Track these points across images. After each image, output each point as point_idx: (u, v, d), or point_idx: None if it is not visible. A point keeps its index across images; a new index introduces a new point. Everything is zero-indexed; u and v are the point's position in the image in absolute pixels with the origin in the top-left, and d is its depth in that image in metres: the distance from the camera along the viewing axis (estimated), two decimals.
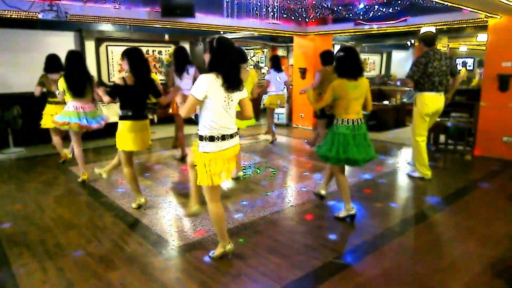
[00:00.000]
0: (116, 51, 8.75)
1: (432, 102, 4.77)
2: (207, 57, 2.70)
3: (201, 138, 2.69)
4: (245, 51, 6.05)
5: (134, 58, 3.67)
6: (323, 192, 4.26)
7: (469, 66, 13.23)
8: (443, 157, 6.31)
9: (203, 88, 2.56)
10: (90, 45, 8.28)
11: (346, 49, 3.55)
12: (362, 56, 13.84)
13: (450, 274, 2.83)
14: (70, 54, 4.54)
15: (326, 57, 5.50)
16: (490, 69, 5.92)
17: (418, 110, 4.85)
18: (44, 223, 3.70)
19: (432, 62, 4.69)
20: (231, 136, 2.75)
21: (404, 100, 8.42)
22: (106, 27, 8.37)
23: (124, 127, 3.68)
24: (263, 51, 12.45)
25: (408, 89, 10.74)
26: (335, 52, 3.93)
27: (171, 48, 9.46)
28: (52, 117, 5.25)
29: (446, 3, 4.88)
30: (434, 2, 5.18)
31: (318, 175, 5.20)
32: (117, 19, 5.75)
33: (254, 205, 4.12)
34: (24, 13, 4.78)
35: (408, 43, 11.70)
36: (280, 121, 9.21)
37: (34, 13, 4.72)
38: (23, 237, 3.43)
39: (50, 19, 4.58)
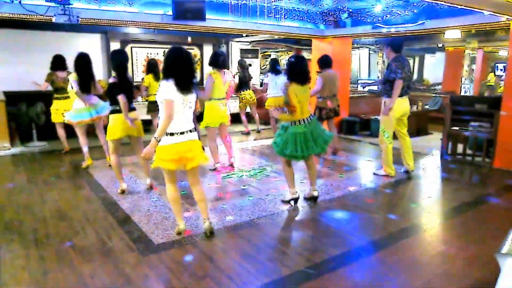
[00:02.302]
0: (140, 52, 9.09)
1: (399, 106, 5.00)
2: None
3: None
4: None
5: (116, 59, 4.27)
6: (315, 193, 4.31)
7: (501, 70, 12.41)
8: (459, 169, 6.00)
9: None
10: (115, 47, 8.61)
11: (297, 57, 4.04)
12: None
13: None
14: (81, 55, 5.03)
15: (326, 61, 6.03)
16: (511, 76, 5.57)
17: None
18: (41, 214, 3.92)
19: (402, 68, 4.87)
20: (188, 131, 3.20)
21: (427, 106, 8.09)
22: (131, 29, 8.68)
23: (114, 119, 4.29)
24: (288, 54, 12.42)
25: (434, 95, 10.39)
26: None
27: (194, 51, 9.68)
28: (59, 111, 5.74)
29: (459, 6, 4.68)
30: (450, 6, 4.96)
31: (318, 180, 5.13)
32: (129, 22, 5.96)
33: (243, 208, 4.13)
34: (41, 16, 5.07)
35: (438, 46, 11.24)
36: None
37: (49, 17, 4.99)
38: (19, 225, 3.65)
39: (63, 22, 4.81)
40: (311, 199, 4.32)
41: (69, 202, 4.30)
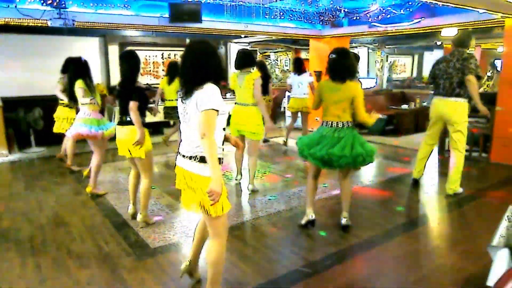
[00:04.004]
0: (139, 55, 9.04)
1: (435, 106, 4.53)
2: None
3: None
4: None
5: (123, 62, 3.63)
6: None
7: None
8: None
9: None
10: (113, 50, 8.63)
11: (338, 51, 3.43)
12: (392, 58, 13.45)
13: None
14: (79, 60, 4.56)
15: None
16: (506, 71, 5.58)
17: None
18: (38, 221, 3.92)
19: (439, 64, 4.46)
20: (183, 156, 2.28)
21: (424, 103, 8.10)
22: (130, 32, 8.68)
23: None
24: (287, 54, 12.41)
25: (431, 92, 10.37)
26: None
27: None
28: (65, 121, 5.59)
29: (454, 5, 4.68)
30: (445, 4, 4.95)
31: None
32: (126, 25, 5.97)
33: (241, 209, 4.14)
34: (37, 20, 5.09)
35: (437, 44, 11.21)
36: (297, 124, 9.14)
37: (45, 21, 5.01)
38: (15, 233, 3.65)
39: (58, 26, 4.83)
40: (311, 223, 3.67)
41: (67, 208, 4.30)
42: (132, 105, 3.42)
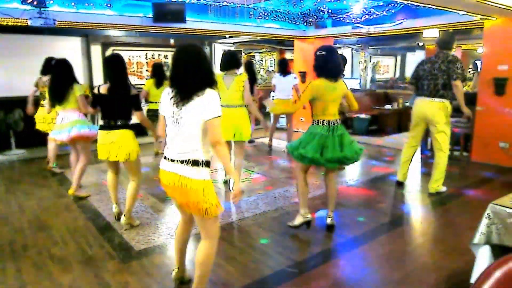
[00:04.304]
0: (122, 55, 8.94)
1: (418, 107, 4.57)
2: None
3: None
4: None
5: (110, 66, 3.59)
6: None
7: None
8: None
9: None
10: (96, 50, 8.49)
11: (326, 49, 3.39)
12: (375, 59, 13.62)
13: (401, 286, 2.76)
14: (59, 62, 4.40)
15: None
16: (486, 72, 5.72)
17: None
18: (19, 224, 3.84)
19: (424, 65, 4.51)
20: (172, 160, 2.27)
21: (407, 104, 8.21)
22: (113, 32, 8.57)
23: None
24: (272, 55, 12.44)
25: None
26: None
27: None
28: (45, 120, 5.45)
29: (435, 7, 4.77)
30: (426, 6, 5.05)
31: None
32: (109, 25, 5.89)
33: (226, 210, 4.12)
34: (17, 20, 4.98)
35: (419, 45, 11.41)
36: (280, 124, 9.18)
37: (25, 20, 4.90)
38: None
39: (39, 26, 4.73)
40: (307, 224, 3.64)
41: (49, 211, 4.21)
42: (140, 115, 3.57)
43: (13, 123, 6.58)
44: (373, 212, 4.16)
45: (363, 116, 8.49)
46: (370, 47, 11.93)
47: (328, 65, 3.34)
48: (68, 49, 7.80)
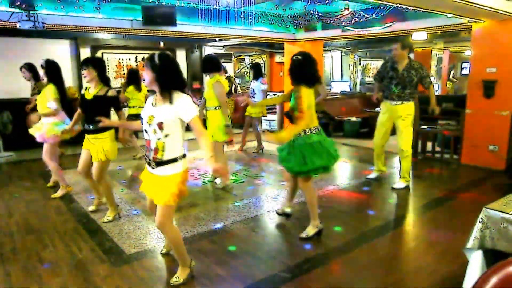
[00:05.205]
0: (112, 58, 8.92)
1: (385, 108, 5.02)
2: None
3: None
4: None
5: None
6: (288, 210, 3.92)
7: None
8: (428, 166, 6.18)
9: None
10: (85, 53, 8.43)
11: (303, 54, 3.39)
12: (364, 62, 13.73)
13: None
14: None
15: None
16: (475, 74, 5.79)
17: None
18: (8, 228, 3.78)
19: (387, 68, 4.93)
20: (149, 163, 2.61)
21: None
22: (102, 35, 8.51)
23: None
24: (262, 58, 12.47)
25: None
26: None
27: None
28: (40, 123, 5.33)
29: (423, 10, 4.83)
30: (415, 9, 5.11)
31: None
32: (98, 28, 5.86)
33: (217, 214, 4.11)
34: (5, 22, 4.92)
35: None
36: (271, 128, 9.22)
37: (13, 23, 4.85)
38: None
39: (28, 28, 4.68)
40: (283, 215, 3.95)
41: (38, 214, 4.16)
42: (122, 114, 3.81)
43: (1, 125, 6.50)
44: (365, 215, 4.18)
45: (353, 118, 8.54)
46: (359, 50, 12.03)
47: (305, 70, 3.32)
48: (58, 51, 7.75)
